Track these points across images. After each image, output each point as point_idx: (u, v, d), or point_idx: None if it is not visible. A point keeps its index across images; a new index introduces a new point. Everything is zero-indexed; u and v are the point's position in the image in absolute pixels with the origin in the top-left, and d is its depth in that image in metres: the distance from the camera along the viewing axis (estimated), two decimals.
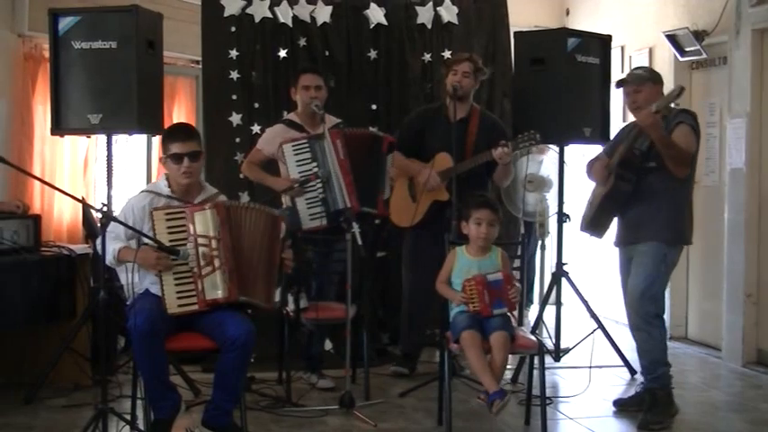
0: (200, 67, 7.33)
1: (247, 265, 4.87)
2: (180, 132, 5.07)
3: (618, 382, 6.32)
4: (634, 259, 5.57)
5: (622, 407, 5.70)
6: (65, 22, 5.80)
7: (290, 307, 5.75)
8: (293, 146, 5.87)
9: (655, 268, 5.45)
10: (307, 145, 5.85)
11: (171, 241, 4.72)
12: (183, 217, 4.79)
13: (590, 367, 5.98)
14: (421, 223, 6.22)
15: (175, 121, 7.94)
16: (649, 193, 5.49)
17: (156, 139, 7.77)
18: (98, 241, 4.77)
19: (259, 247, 4.94)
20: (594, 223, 5.73)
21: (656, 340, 5.48)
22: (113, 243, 4.78)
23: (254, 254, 4.91)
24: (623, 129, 5.91)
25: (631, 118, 5.84)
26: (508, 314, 5.00)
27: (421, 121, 6.39)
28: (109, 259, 4.75)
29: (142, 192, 5.12)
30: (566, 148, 6.69)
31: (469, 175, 5.98)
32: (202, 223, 4.77)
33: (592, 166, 5.78)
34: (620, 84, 5.71)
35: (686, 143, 5.37)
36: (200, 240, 4.76)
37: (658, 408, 5.40)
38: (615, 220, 5.70)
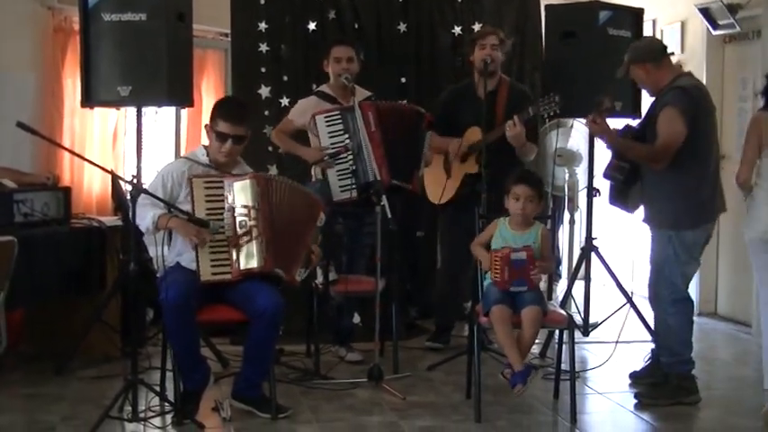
0: (230, 39, 7.31)
1: (282, 238, 4.88)
2: (233, 113, 4.97)
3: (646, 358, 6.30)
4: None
5: (637, 380, 5.68)
6: None
7: (319, 280, 5.76)
8: (325, 117, 5.84)
9: (662, 252, 5.30)
10: (339, 116, 5.82)
11: (208, 209, 4.74)
12: (222, 186, 4.80)
13: (618, 342, 5.96)
14: (455, 199, 6.24)
15: (204, 94, 8.00)
16: (643, 181, 5.42)
17: (185, 112, 7.77)
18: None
19: (294, 224, 4.95)
20: (616, 196, 5.68)
21: (667, 326, 5.32)
22: (151, 210, 4.78)
23: (288, 229, 4.92)
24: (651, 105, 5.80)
25: None
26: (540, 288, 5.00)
27: (452, 100, 6.39)
28: (147, 225, 4.76)
29: (180, 158, 5.13)
30: None
31: (499, 149, 5.94)
32: (242, 193, 4.79)
33: None
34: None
35: (668, 132, 5.11)
36: (239, 210, 4.77)
37: (664, 388, 5.30)
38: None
